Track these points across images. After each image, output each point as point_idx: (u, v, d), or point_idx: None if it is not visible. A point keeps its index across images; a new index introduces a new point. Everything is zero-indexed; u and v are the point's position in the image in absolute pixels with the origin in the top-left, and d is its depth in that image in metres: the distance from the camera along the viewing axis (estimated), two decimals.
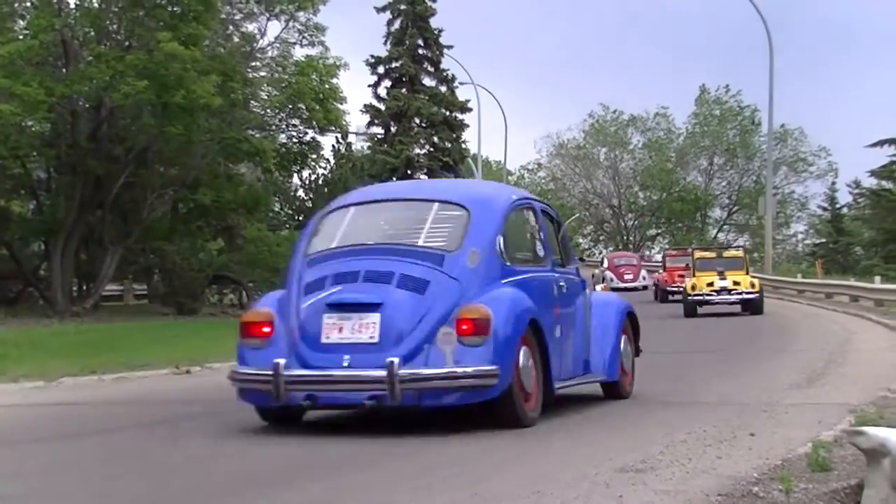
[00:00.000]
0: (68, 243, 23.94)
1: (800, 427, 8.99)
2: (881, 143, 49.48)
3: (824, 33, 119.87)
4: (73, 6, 23.58)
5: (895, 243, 47.61)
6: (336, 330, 7.85)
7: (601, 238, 75.42)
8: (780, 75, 65.18)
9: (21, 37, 22.68)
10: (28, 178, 25.52)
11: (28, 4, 23.77)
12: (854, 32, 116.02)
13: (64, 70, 23.22)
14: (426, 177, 38.20)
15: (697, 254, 31.59)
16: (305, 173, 30.71)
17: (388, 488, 6.82)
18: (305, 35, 28.79)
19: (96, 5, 23.57)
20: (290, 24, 28.60)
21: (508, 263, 8.54)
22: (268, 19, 28.49)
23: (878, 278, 31.56)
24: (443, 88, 38.86)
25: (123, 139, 24.61)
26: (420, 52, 38.69)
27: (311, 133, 30.47)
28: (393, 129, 37.97)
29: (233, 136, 25.27)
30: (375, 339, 7.78)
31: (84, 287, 26.11)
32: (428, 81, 38.86)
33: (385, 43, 38.60)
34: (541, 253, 9.37)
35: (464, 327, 7.77)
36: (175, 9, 23.03)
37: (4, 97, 21.32)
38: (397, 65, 38.28)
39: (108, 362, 14.91)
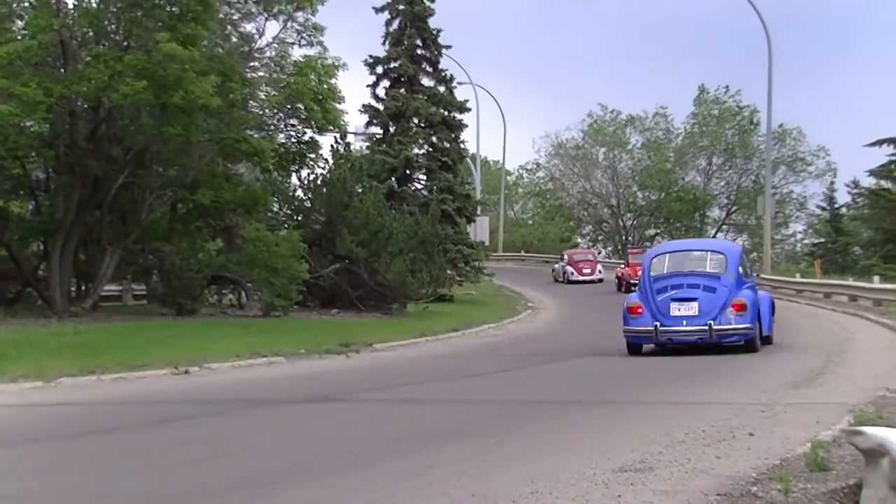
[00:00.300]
0: (67, 244, 23.87)
1: (798, 427, 9.00)
2: (880, 142, 49.40)
3: (823, 33, 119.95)
4: (71, 6, 23.47)
5: (894, 243, 47.52)
6: (677, 309, 16.54)
7: (599, 238, 75.44)
8: (779, 75, 65.23)
9: (19, 37, 22.55)
10: (27, 179, 25.42)
11: (26, 4, 23.67)
12: (853, 32, 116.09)
13: (62, 70, 23.13)
14: (425, 177, 38.40)
15: None
16: (304, 173, 30.55)
17: (388, 487, 6.83)
18: (304, 35, 28.71)
19: (95, 6, 23.44)
20: (289, 24, 28.51)
21: (743, 279, 17.13)
22: (266, 19, 28.41)
23: (876, 278, 31.52)
24: (441, 88, 38.69)
25: (122, 139, 24.52)
26: (418, 52, 38.56)
27: (309, 133, 30.37)
28: (391, 129, 37.86)
29: (231, 136, 25.17)
30: (696, 314, 16.42)
31: (83, 287, 26.01)
32: (426, 81, 38.71)
33: (383, 43, 38.48)
34: (749, 272, 18.43)
35: (736, 308, 16.38)
36: (173, 9, 22.92)
37: (3, 98, 21.23)
38: (396, 65, 38.15)
39: (106, 362, 14.91)
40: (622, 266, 44.73)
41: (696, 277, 16.79)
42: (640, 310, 16.66)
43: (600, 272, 49.31)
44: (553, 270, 52.00)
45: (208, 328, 21.52)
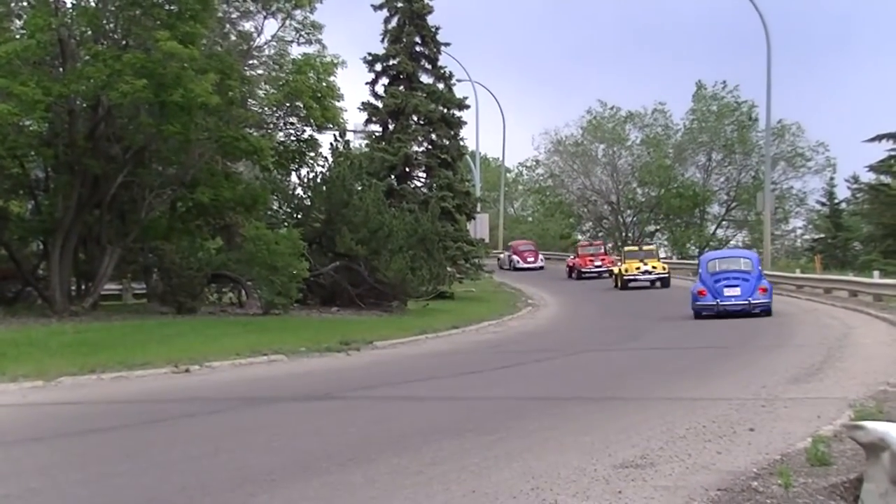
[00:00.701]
0: (67, 243, 23.86)
1: (799, 422, 9.00)
2: (879, 137, 49.42)
3: (822, 28, 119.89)
4: (69, 5, 23.41)
5: (894, 238, 47.54)
6: (728, 291, 25.16)
7: (599, 234, 75.34)
8: (778, 70, 65.27)
9: (18, 36, 22.51)
10: (26, 178, 25.40)
11: (25, 4, 23.62)
12: (851, 27, 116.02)
13: (61, 69, 23.09)
14: (424, 174, 38.47)
15: (626, 248, 46.07)
16: (304, 171, 30.54)
17: (388, 484, 6.84)
18: (302, 33, 28.63)
19: (93, 4, 23.40)
20: (287, 22, 28.42)
21: (761, 274, 26.25)
22: (265, 17, 28.32)
23: (876, 273, 31.51)
24: (440, 86, 38.63)
25: (121, 138, 24.48)
26: (417, 49, 38.51)
27: (308, 131, 30.33)
28: (391, 127, 37.82)
29: (231, 134, 25.13)
30: (740, 294, 25.11)
31: (83, 286, 26.00)
32: (425, 79, 38.64)
33: (382, 41, 38.44)
34: (763, 268, 28.02)
35: (762, 290, 25.25)
36: (172, 7, 22.89)
37: (2, 97, 21.20)
38: (395, 62, 38.10)
39: (106, 361, 14.91)
40: (572, 257, 52.32)
41: (737, 273, 25.59)
42: (704, 292, 25.44)
43: (542, 261, 57.58)
44: (499, 259, 58.84)
45: (208, 326, 21.51)
